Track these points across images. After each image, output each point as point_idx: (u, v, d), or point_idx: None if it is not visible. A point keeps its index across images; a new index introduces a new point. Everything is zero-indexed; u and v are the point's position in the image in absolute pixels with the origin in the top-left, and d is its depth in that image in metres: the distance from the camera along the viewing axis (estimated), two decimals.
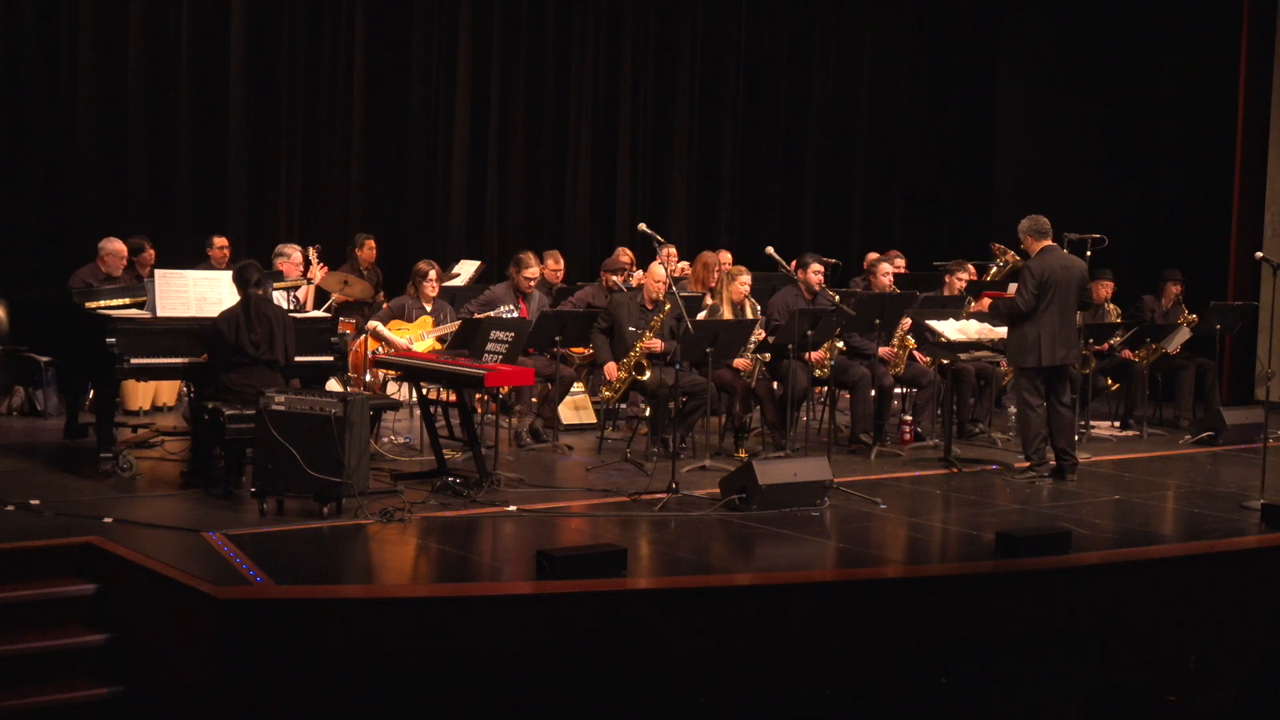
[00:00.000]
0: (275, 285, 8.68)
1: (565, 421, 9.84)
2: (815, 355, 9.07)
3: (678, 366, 8.34)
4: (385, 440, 9.01)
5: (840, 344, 9.29)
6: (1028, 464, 8.62)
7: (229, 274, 7.84)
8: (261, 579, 5.74)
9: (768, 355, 9.12)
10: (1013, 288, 11.06)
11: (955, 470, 8.79)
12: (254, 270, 7.61)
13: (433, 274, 9.55)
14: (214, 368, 7.50)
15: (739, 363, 9.08)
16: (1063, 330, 8.44)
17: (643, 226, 8.48)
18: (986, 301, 10.03)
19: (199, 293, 7.92)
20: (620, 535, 6.89)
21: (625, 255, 10.97)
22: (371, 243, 11.36)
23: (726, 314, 9.31)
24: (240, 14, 11.96)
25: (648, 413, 9.31)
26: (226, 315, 7.48)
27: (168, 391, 10.24)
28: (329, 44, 12.60)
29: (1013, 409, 10.58)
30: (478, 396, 9.00)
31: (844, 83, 15.28)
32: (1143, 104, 14.00)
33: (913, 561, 6.92)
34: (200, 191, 11.94)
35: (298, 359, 7.74)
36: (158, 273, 7.99)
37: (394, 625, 5.64)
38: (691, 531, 7.11)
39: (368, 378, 9.46)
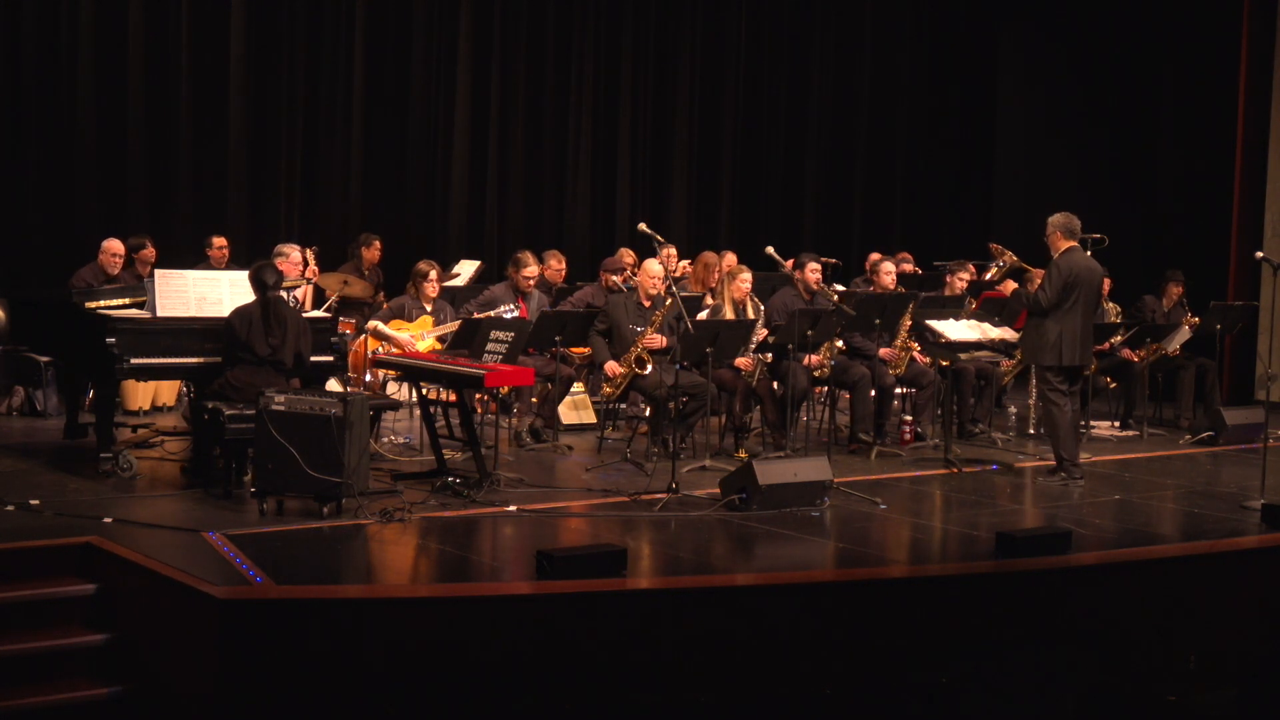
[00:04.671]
0: None
1: (565, 421, 9.84)
2: (813, 359, 9.05)
3: (678, 366, 8.33)
4: (385, 440, 9.01)
5: (840, 344, 9.29)
6: (1055, 464, 8.58)
7: (229, 274, 7.84)
8: (261, 579, 5.74)
9: (769, 355, 9.12)
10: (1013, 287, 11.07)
11: (955, 470, 8.79)
12: (272, 272, 7.61)
13: (434, 274, 9.55)
14: (223, 364, 7.51)
15: (741, 362, 9.08)
16: (1083, 331, 8.44)
17: (643, 226, 8.48)
18: (1010, 286, 9.99)
19: (199, 293, 7.92)
20: (620, 535, 6.89)
21: (629, 256, 10.96)
22: (378, 243, 11.36)
23: (728, 314, 9.31)
24: (240, 14, 11.96)
25: (648, 413, 9.31)
26: (240, 312, 7.47)
27: (168, 391, 10.24)
28: (329, 44, 12.60)
29: (1013, 409, 10.62)
30: (478, 396, 9.00)
31: (844, 83, 15.28)
32: (1143, 103, 14.01)
33: (913, 561, 6.92)
34: (200, 191, 11.94)
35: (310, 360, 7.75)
36: (158, 273, 7.99)
37: (394, 625, 5.63)
38: (691, 531, 7.11)
39: (368, 378, 9.46)
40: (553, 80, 13.80)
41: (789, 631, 6.01)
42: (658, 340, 8.73)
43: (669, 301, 8.65)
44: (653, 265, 9.06)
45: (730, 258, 10.70)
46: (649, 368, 8.72)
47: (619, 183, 14.19)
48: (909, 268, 11.52)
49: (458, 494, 7.50)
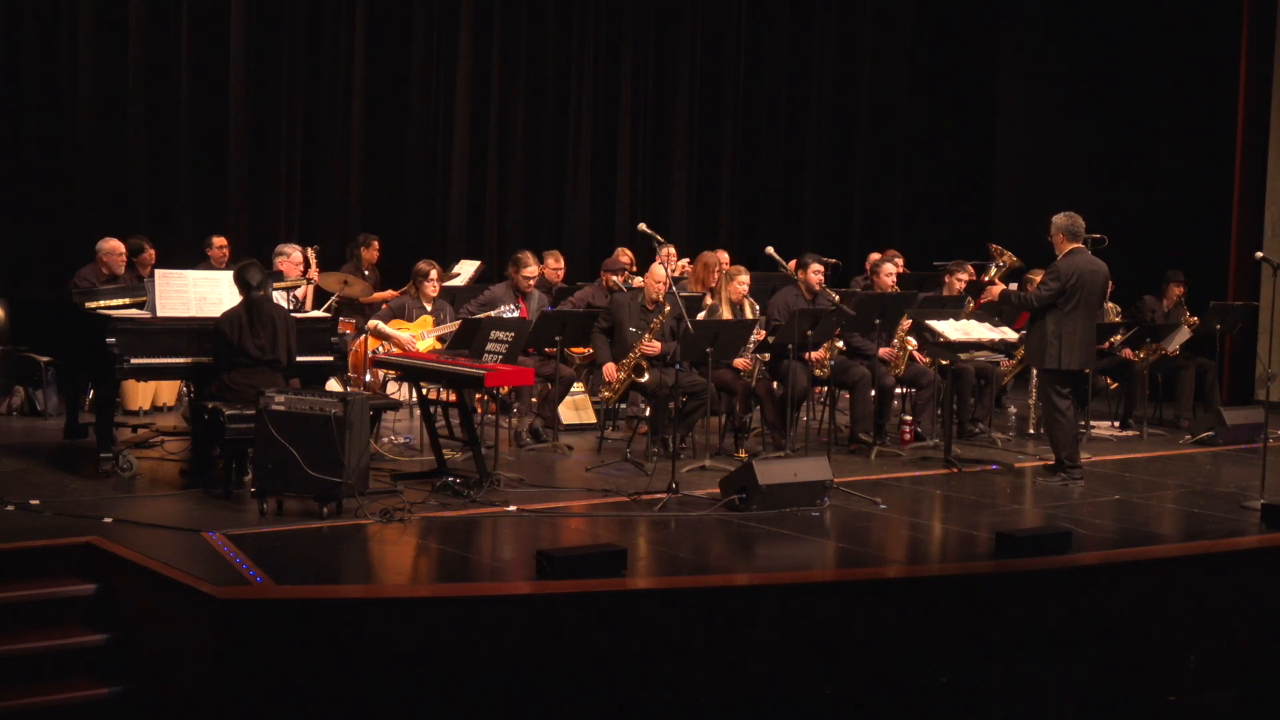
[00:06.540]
0: (275, 285, 8.68)
1: (565, 421, 9.84)
2: (816, 355, 9.08)
3: (678, 366, 8.34)
4: (385, 440, 9.01)
5: (840, 344, 9.29)
6: (1054, 463, 8.59)
7: (229, 274, 7.84)
8: (261, 579, 5.74)
9: (767, 355, 9.12)
10: (1014, 287, 11.07)
11: (955, 470, 8.78)
12: (256, 271, 7.60)
13: (434, 274, 9.56)
14: (217, 367, 7.52)
15: (739, 362, 9.08)
16: (1084, 335, 8.40)
17: (643, 226, 8.49)
18: (997, 289, 9.99)
19: (199, 293, 7.92)
20: (620, 535, 6.89)
21: (625, 255, 10.99)
22: (377, 243, 11.38)
23: (725, 314, 9.31)
24: (240, 14, 11.96)
25: (648, 413, 9.32)
26: (229, 315, 7.48)
27: (168, 391, 10.24)
28: (329, 44, 12.60)
29: (1013, 409, 10.62)
30: (478, 396, 9.00)
31: (844, 82, 15.28)
32: (1143, 103, 14.01)
33: (913, 561, 6.92)
34: (200, 191, 11.95)
35: (298, 359, 7.74)
36: (158, 273, 7.99)
37: (394, 625, 5.63)
38: (691, 531, 7.11)
39: (368, 378, 9.46)
40: (553, 80, 13.80)
41: (789, 631, 6.01)
42: (655, 347, 8.71)
43: (667, 309, 8.65)
44: (659, 270, 9.05)
45: (723, 256, 10.67)
46: (646, 376, 8.73)
47: (619, 183, 14.19)
48: (899, 261, 11.48)
49: (458, 494, 7.50)
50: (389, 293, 10.62)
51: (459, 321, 8.93)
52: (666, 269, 9.16)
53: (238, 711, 5.33)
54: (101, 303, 8.17)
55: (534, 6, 13.65)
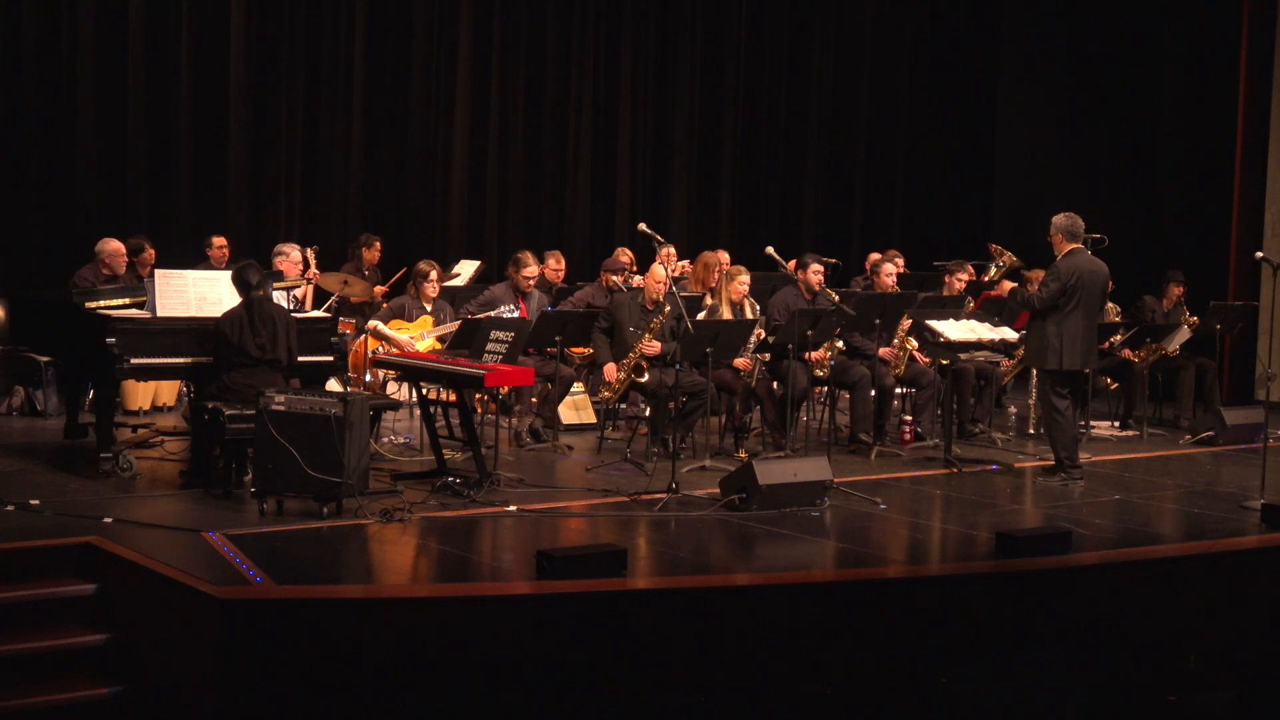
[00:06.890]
0: (275, 285, 8.68)
1: (565, 421, 9.84)
2: (816, 355, 9.08)
3: (678, 367, 8.33)
4: (385, 440, 9.01)
5: (840, 344, 9.29)
6: (1054, 463, 8.59)
7: (229, 274, 7.84)
8: (261, 579, 5.74)
9: (767, 355, 9.13)
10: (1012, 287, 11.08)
11: (955, 470, 8.78)
12: (254, 271, 7.60)
13: (434, 274, 9.56)
14: (217, 367, 7.52)
15: (739, 362, 9.09)
16: (1085, 335, 8.39)
17: (643, 226, 8.48)
18: (1008, 285, 10.00)
19: (199, 293, 7.92)
20: (620, 535, 6.89)
21: (625, 255, 10.98)
22: (379, 244, 11.37)
23: (726, 314, 9.31)
24: (240, 14, 11.96)
25: (648, 413, 9.32)
26: (229, 316, 7.48)
27: (168, 391, 10.24)
28: (329, 44, 12.60)
29: (1013, 409, 10.62)
30: (478, 396, 9.00)
31: (844, 83, 15.28)
32: (1143, 103, 14.02)
33: (913, 561, 6.92)
34: (200, 191, 11.95)
35: (298, 359, 7.73)
36: (158, 273, 7.99)
37: (394, 625, 5.64)
38: (691, 531, 7.11)
39: (368, 378, 9.46)
40: (553, 80, 13.80)
41: (789, 631, 6.01)
42: (655, 347, 8.72)
43: (667, 309, 8.65)
44: (659, 270, 9.05)
45: (723, 256, 10.68)
46: (646, 376, 8.73)
47: (619, 183, 14.19)
48: (899, 261, 11.50)
49: (458, 494, 7.50)
50: (383, 289, 10.65)
51: (459, 322, 8.93)
52: (666, 269, 9.16)
53: (238, 711, 5.34)
54: (101, 303, 8.16)
55: (534, 6, 13.65)
